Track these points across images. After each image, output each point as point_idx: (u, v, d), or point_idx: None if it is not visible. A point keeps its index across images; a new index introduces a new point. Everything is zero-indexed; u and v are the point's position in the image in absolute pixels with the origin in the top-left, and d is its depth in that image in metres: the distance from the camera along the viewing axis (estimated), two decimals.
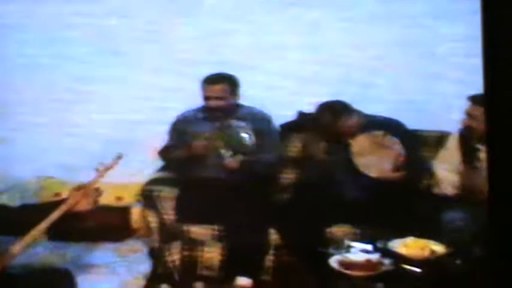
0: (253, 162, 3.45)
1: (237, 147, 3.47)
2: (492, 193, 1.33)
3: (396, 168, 3.35)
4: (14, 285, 2.67)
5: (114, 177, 3.41)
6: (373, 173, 3.31)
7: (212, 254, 3.29)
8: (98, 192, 2.89)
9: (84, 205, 2.80)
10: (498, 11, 1.28)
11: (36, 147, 4.27)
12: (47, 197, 4.15)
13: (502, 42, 1.27)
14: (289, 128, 3.83)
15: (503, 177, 1.30)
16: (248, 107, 3.65)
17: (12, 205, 3.10)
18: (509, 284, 1.35)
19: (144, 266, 3.48)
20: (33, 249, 3.12)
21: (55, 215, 2.73)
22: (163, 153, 3.65)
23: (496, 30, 1.29)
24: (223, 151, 3.43)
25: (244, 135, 3.49)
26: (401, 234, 2.92)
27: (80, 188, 2.87)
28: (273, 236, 3.28)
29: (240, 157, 3.44)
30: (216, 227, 3.35)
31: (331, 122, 3.44)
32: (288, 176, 3.63)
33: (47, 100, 4.33)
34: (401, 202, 3.24)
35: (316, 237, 3.21)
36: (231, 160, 3.43)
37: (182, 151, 3.51)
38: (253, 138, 3.49)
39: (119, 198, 4.01)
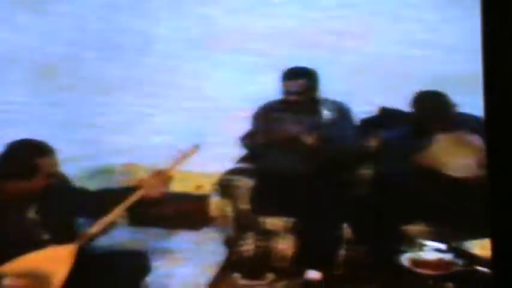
0: (331, 154, 3.44)
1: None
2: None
3: (480, 166, 3.23)
4: (95, 265, 2.79)
5: (194, 165, 3.49)
6: (460, 174, 3.20)
7: (285, 245, 3.31)
8: (169, 180, 2.97)
9: (155, 192, 2.89)
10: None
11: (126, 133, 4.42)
12: (131, 182, 4.29)
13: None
14: (370, 122, 3.79)
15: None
16: (329, 100, 3.63)
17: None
18: None
19: (219, 255, 3.55)
20: (113, 232, 3.25)
21: (131, 200, 2.83)
22: (245, 139, 3.69)
23: None
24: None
25: (326, 124, 3.49)
26: (479, 236, 2.83)
27: (155, 174, 2.96)
28: (347, 230, 3.26)
29: (316, 133, 3.41)
30: (290, 219, 3.37)
31: (432, 115, 3.36)
32: (366, 171, 3.59)
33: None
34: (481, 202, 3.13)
35: (389, 234, 3.16)
36: (307, 137, 3.41)
37: (263, 138, 3.55)
38: (334, 131, 3.48)
39: (198, 187, 4.09)
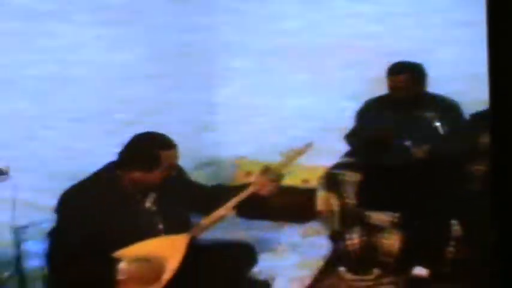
0: (441, 152, 3.38)
1: (424, 137, 3.41)
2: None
3: None
4: (204, 255, 2.89)
5: (302, 160, 3.53)
6: None
7: (391, 241, 3.27)
8: (281, 177, 3.01)
9: (267, 190, 2.94)
10: None
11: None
12: (239, 175, 4.39)
13: None
14: (481, 117, 3.67)
15: None
16: (437, 95, 3.57)
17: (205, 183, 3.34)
18: None
19: (324, 248, 3.57)
20: (221, 224, 3.34)
21: (242, 196, 2.91)
22: (350, 137, 3.70)
23: None
24: (407, 142, 3.40)
25: (435, 124, 3.42)
26: None
27: (266, 171, 3.01)
28: (455, 227, 3.19)
29: (426, 147, 3.38)
30: (397, 214, 3.34)
31: None
32: (477, 168, 3.48)
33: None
34: None
35: (500, 233, 3.06)
36: (417, 150, 3.38)
37: (368, 136, 3.53)
38: (444, 127, 3.41)
39: (305, 181, 4.12)
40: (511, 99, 1.18)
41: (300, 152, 3.12)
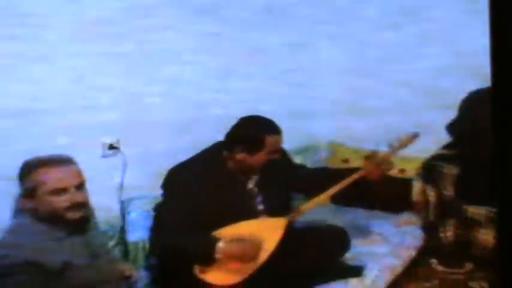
0: None
1: None
2: None
3: None
4: (299, 238, 2.96)
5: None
6: None
7: (486, 236, 3.23)
8: (390, 165, 3.03)
9: (374, 176, 2.97)
10: None
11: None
12: (335, 162, 4.42)
13: None
14: None
15: None
16: None
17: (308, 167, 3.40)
18: None
19: (417, 239, 3.56)
20: (315, 210, 3.39)
21: (346, 182, 2.95)
22: (451, 127, 3.64)
23: None
24: None
25: None
26: None
27: (372, 157, 3.04)
28: None
29: None
30: (494, 209, 3.28)
31: None
32: None
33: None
34: None
35: None
36: None
37: (471, 128, 3.47)
38: None
39: (401, 171, 4.10)
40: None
41: (406, 142, 3.13)
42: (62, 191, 2.32)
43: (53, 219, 2.32)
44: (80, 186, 2.38)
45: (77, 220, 2.36)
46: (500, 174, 1.21)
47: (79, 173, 2.40)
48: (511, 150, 1.18)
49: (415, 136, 3.07)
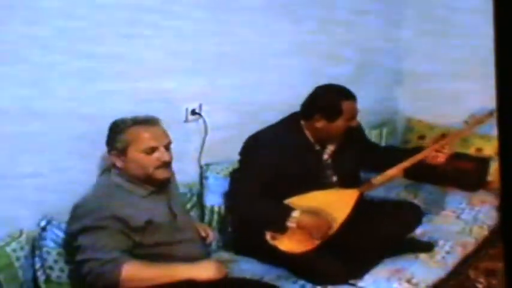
0: None
1: None
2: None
3: None
4: (371, 211, 2.99)
5: (478, 128, 3.49)
6: None
7: None
8: (452, 147, 3.01)
9: (437, 158, 2.96)
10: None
11: None
12: (412, 137, 4.40)
13: None
14: None
15: None
16: None
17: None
18: None
19: (491, 219, 3.54)
20: (389, 184, 3.41)
21: (413, 160, 2.96)
22: None
23: None
24: None
25: None
26: None
27: (441, 139, 3.01)
28: None
29: None
30: None
31: None
32: None
33: None
34: None
35: None
36: None
37: None
38: None
39: (479, 150, 4.05)
40: None
41: (480, 121, 3.11)
42: (153, 150, 2.43)
43: (142, 177, 2.44)
44: (168, 146, 2.50)
45: (165, 179, 2.47)
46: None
47: (166, 133, 2.52)
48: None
49: (491, 114, 3.03)
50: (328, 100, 2.88)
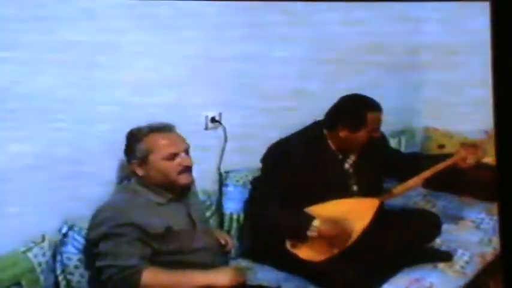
0: None
1: None
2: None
3: None
4: (391, 220, 2.97)
5: None
6: None
7: None
8: (484, 153, 2.99)
9: (467, 163, 2.95)
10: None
11: None
12: (431, 146, 4.37)
13: None
14: None
15: None
16: None
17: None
18: None
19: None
20: (408, 194, 3.39)
21: (439, 167, 2.94)
22: None
23: None
24: None
25: None
26: None
27: (469, 145, 3.01)
28: None
29: None
30: None
31: None
32: None
33: None
34: None
35: None
36: None
37: None
38: None
39: None
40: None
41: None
42: (174, 156, 2.47)
43: (165, 184, 2.47)
44: (187, 151, 2.53)
45: (187, 183, 2.51)
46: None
47: (183, 139, 2.55)
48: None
49: None
50: (353, 110, 2.89)
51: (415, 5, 4.38)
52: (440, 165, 2.95)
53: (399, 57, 4.33)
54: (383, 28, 4.15)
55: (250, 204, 3.01)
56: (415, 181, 2.95)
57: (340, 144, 2.92)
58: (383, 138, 3.13)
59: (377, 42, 4.11)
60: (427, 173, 2.95)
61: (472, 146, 3.00)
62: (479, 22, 4.17)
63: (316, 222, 2.75)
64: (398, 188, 2.97)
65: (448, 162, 2.96)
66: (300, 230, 2.77)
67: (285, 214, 2.81)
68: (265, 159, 2.96)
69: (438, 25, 4.45)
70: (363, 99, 2.90)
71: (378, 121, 2.90)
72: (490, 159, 3.97)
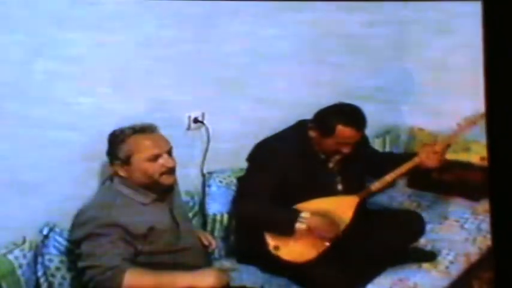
0: None
1: None
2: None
3: None
4: (374, 219, 3.00)
5: (481, 137, 3.47)
6: None
7: None
8: (447, 148, 3.02)
9: (431, 162, 2.96)
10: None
11: None
12: (416, 146, 4.38)
13: None
14: None
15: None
16: None
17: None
18: None
19: None
20: (392, 194, 3.41)
21: (407, 166, 2.97)
22: None
23: None
24: None
25: None
26: None
27: (434, 143, 3.03)
28: None
29: None
30: None
31: None
32: None
33: None
34: None
35: None
36: None
37: None
38: None
39: (483, 159, 4.02)
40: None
41: (473, 121, 3.09)
42: (157, 157, 2.46)
43: (148, 184, 2.45)
44: (170, 152, 2.52)
45: (170, 184, 2.49)
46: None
47: (166, 140, 2.54)
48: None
49: (481, 116, 3.01)
50: (326, 116, 2.89)
51: (402, 5, 4.40)
52: (408, 164, 2.98)
53: (384, 56, 4.34)
54: (368, 29, 4.16)
55: (238, 200, 3.00)
56: (391, 176, 2.98)
57: (317, 145, 2.93)
58: (365, 139, 3.13)
59: (360, 42, 4.12)
60: (401, 169, 2.98)
61: (431, 146, 3.01)
62: (468, 22, 4.20)
63: (304, 214, 2.77)
64: (376, 185, 3.00)
65: (415, 160, 2.97)
66: (289, 222, 2.77)
67: (275, 207, 2.82)
68: (251, 158, 2.97)
69: (425, 26, 4.47)
70: (343, 111, 2.89)
71: (351, 137, 2.88)
72: (476, 158, 4.02)
